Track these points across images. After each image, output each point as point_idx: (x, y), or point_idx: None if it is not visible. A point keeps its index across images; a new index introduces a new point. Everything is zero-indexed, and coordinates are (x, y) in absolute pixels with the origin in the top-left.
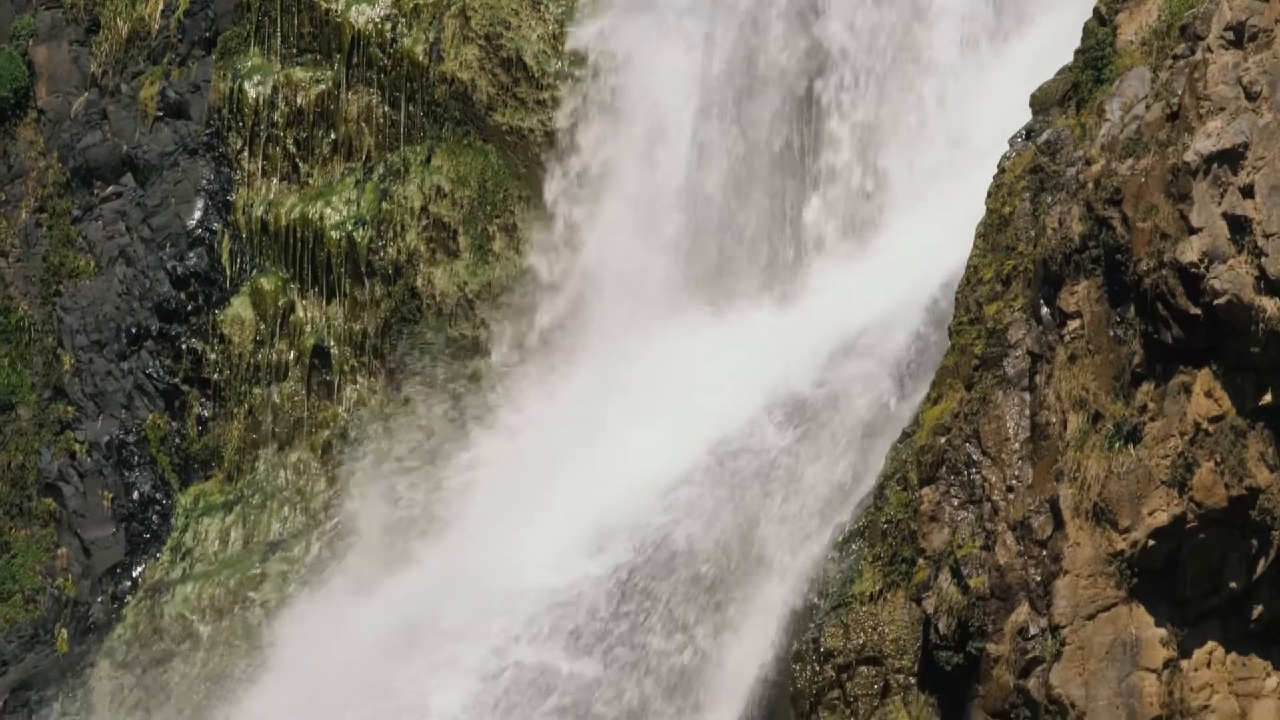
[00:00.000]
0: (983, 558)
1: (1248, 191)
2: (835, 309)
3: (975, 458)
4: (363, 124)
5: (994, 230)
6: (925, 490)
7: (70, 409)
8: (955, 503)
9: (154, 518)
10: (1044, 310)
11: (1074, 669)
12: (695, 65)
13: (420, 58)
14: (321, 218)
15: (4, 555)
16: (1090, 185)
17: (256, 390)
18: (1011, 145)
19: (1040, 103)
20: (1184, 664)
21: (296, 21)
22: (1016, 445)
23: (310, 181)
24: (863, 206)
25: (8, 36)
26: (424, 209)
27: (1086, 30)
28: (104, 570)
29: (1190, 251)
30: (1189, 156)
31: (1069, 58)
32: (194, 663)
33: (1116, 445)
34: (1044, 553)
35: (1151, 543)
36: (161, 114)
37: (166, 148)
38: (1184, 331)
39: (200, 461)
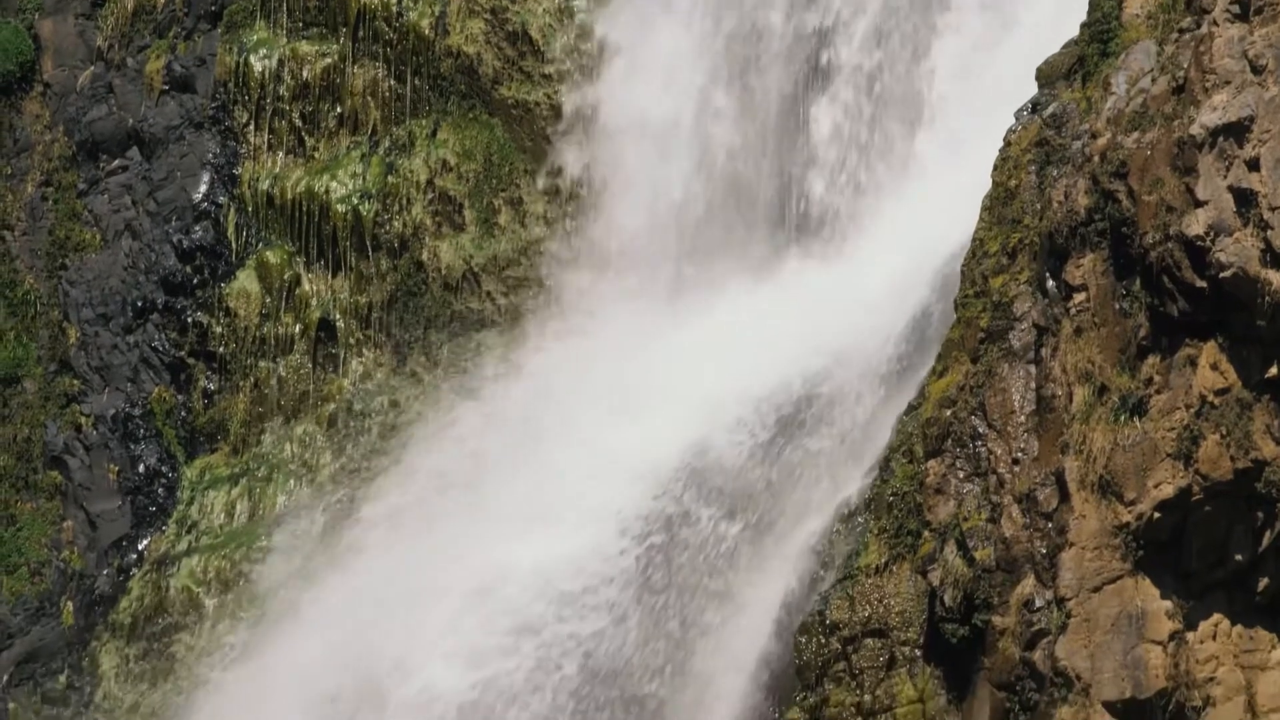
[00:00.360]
0: (988, 530)
1: (1253, 165)
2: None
3: (981, 430)
4: (368, 98)
5: (999, 203)
6: (931, 463)
7: (76, 382)
8: (961, 475)
9: (160, 491)
10: (1050, 283)
11: (1079, 641)
12: (702, 36)
13: (426, 31)
14: (327, 191)
15: (10, 528)
16: (1096, 158)
17: (262, 363)
18: (1017, 119)
19: (1046, 76)
20: (1189, 636)
21: None
22: (1022, 418)
23: (316, 155)
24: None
25: (13, 10)
26: (429, 182)
27: (1092, 3)
28: (109, 543)
29: (1196, 224)
30: (1195, 130)
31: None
32: (199, 635)
33: (1122, 418)
34: (1049, 525)
35: (1157, 515)
36: (167, 87)
37: (172, 121)
38: (1190, 304)
39: (206, 434)
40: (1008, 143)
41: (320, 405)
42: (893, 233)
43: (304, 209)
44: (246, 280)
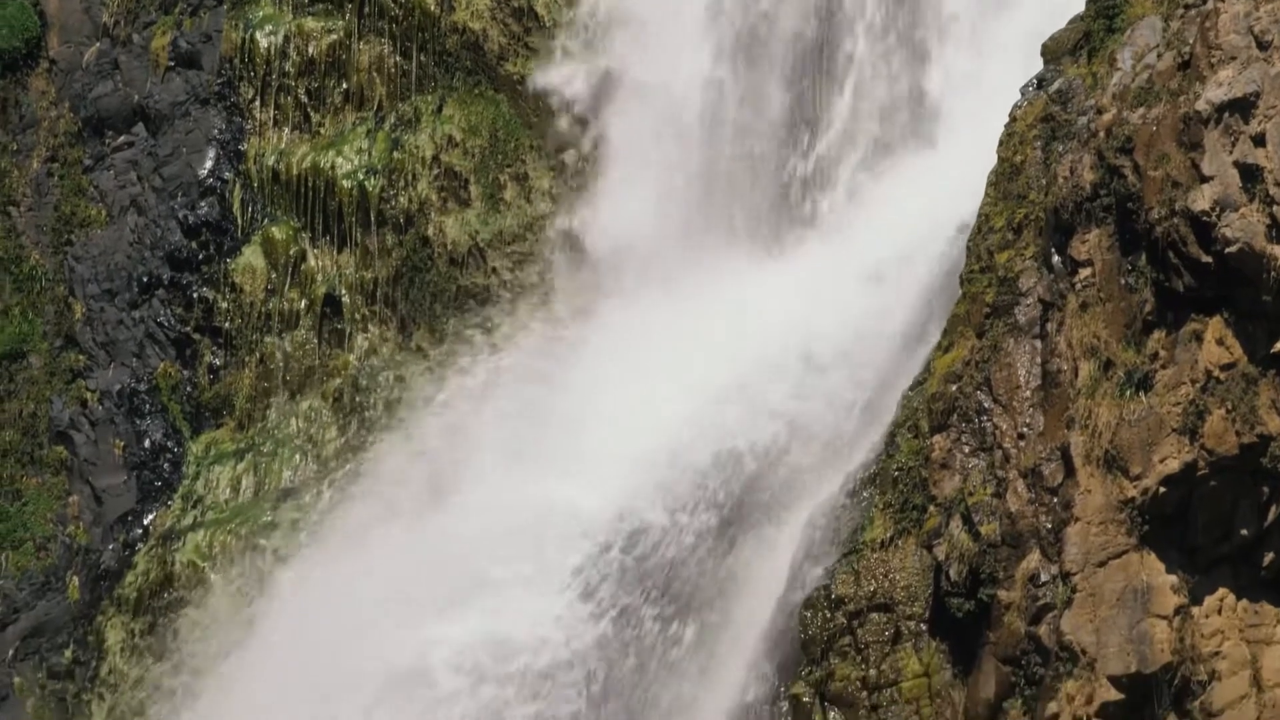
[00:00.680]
0: (994, 505)
1: (1259, 140)
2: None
3: (986, 405)
4: (374, 74)
5: (1005, 178)
6: (936, 438)
7: (81, 357)
8: (966, 450)
9: (165, 465)
10: (1055, 258)
11: (1085, 615)
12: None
13: (432, 7)
14: (333, 167)
15: (15, 503)
16: (1102, 134)
17: (268, 339)
18: (1023, 94)
19: (1052, 52)
20: (1195, 611)
21: None
22: (1028, 393)
23: (322, 131)
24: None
25: None
26: (435, 158)
27: None
28: (115, 518)
29: (1202, 200)
30: (1200, 105)
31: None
32: (205, 610)
33: (1128, 393)
34: (1055, 500)
35: (1163, 490)
36: (173, 64)
37: (178, 97)
38: (1195, 279)
39: (212, 410)
40: (1013, 118)
41: (326, 381)
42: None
43: (309, 185)
44: (252, 256)
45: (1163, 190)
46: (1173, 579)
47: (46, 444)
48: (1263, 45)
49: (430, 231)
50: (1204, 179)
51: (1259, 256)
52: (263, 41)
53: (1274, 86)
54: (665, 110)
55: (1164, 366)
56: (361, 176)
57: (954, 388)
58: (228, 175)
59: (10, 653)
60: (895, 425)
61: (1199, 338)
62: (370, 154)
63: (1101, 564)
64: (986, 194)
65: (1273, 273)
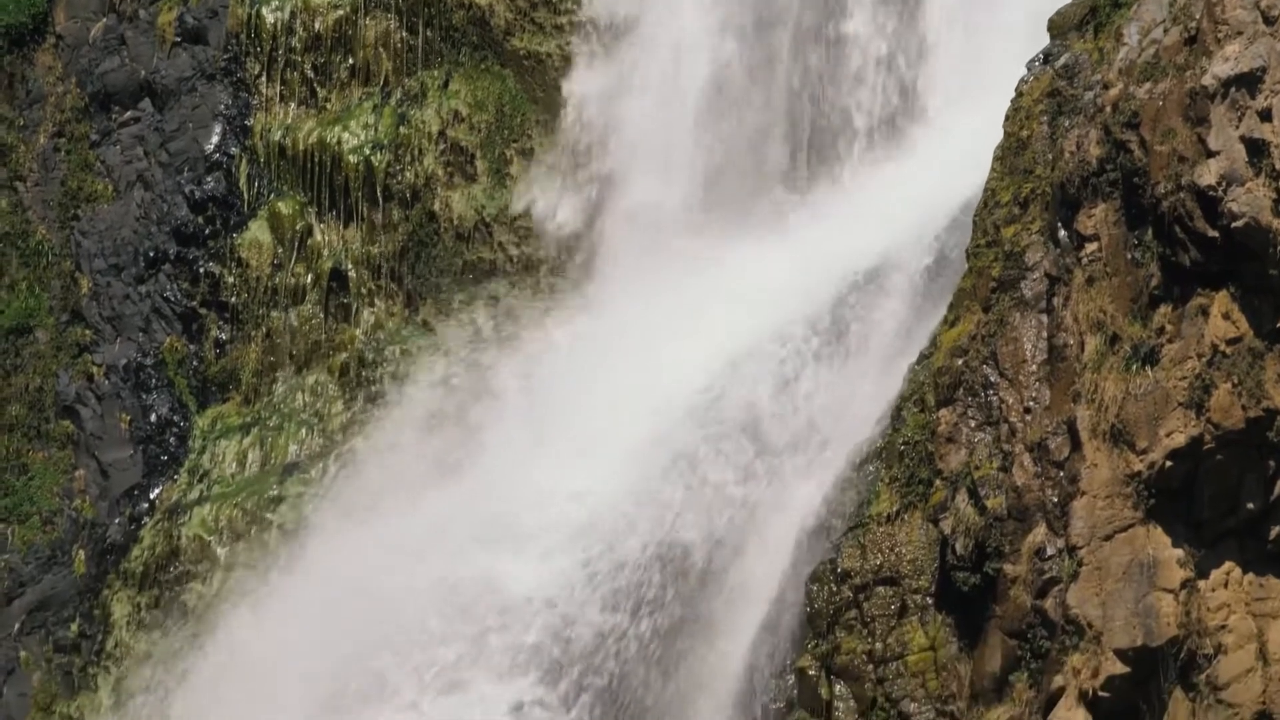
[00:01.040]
0: (1000, 479)
1: (1265, 115)
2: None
3: (993, 379)
4: (380, 49)
5: (1011, 153)
6: (942, 412)
7: (88, 332)
8: (972, 424)
9: (171, 440)
10: (1061, 233)
11: (1091, 589)
12: None
13: None
14: (339, 142)
15: (22, 477)
16: (1108, 109)
17: (274, 313)
18: (1029, 69)
19: (1058, 27)
20: (1201, 584)
21: None
22: (1034, 367)
23: (328, 106)
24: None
25: None
26: (441, 133)
27: None
28: (121, 492)
29: (1208, 174)
30: (1207, 80)
31: None
32: (211, 583)
33: (1134, 367)
34: (1061, 474)
35: (1169, 464)
36: (179, 39)
37: (184, 73)
38: (1202, 254)
39: (218, 384)
40: (1019, 93)
41: (332, 355)
42: None
43: (316, 160)
44: (258, 231)
45: (1169, 165)
46: (1179, 553)
47: (53, 418)
48: (1269, 20)
49: (436, 206)
50: (1210, 154)
51: (1265, 231)
52: (269, 17)
53: None
54: (670, 87)
55: (1170, 341)
56: (368, 152)
57: (960, 362)
58: (234, 150)
59: (16, 626)
60: (901, 399)
61: (1205, 312)
62: (376, 129)
63: (1107, 538)
64: (992, 169)
65: (1279, 247)
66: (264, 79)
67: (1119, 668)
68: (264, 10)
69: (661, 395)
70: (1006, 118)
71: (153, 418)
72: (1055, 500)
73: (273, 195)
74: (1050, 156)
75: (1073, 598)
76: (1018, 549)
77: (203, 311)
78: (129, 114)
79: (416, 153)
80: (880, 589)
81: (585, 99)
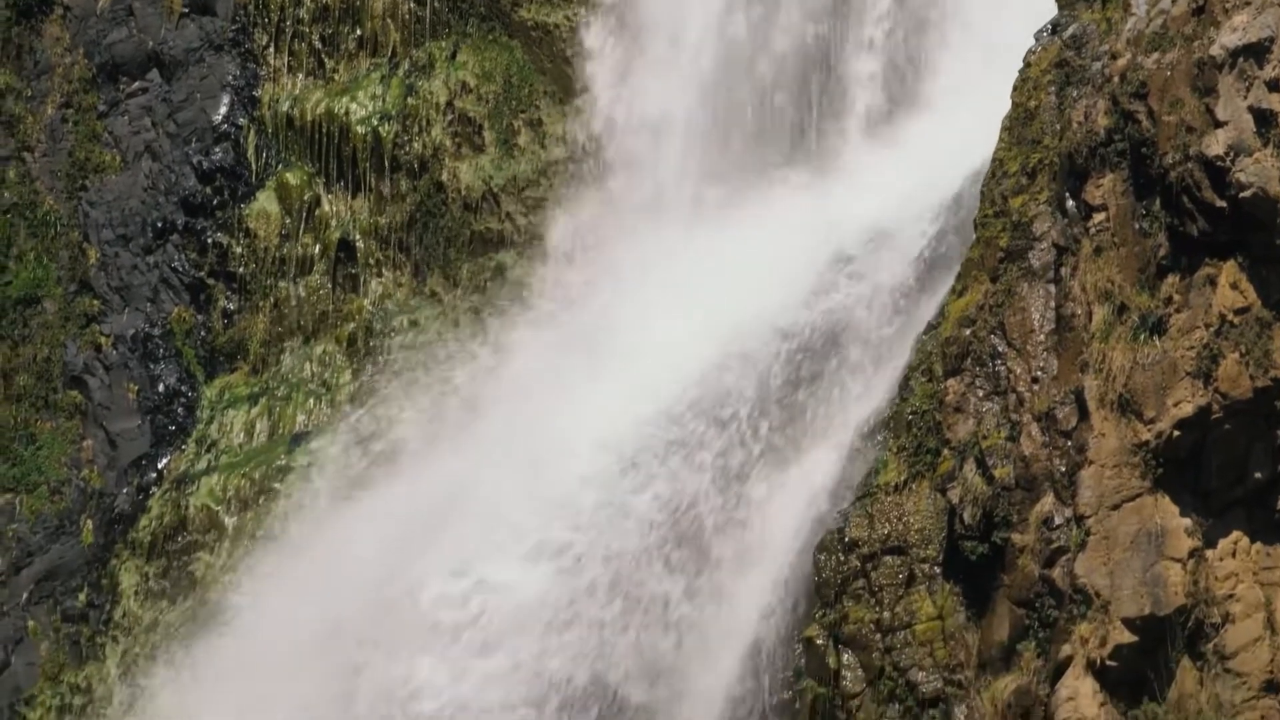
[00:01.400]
0: (1008, 448)
1: (1273, 85)
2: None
3: (1000, 349)
4: (388, 20)
5: (1019, 124)
6: (950, 381)
7: (96, 302)
8: (980, 394)
9: (179, 410)
10: (1069, 203)
11: (1099, 558)
12: None
13: None
14: (347, 113)
15: (30, 447)
16: (1116, 79)
17: (282, 284)
18: (1037, 40)
19: None
20: (1209, 554)
21: None
22: (1041, 337)
23: (336, 77)
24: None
25: None
26: (449, 104)
27: None
28: (129, 462)
29: (1216, 145)
30: (1215, 51)
31: None
32: (219, 553)
33: (1141, 337)
34: (1069, 443)
35: (1176, 433)
36: (187, 10)
37: (192, 44)
38: (1209, 224)
39: (226, 354)
40: (1027, 64)
41: (340, 325)
42: None
43: (324, 130)
44: (266, 201)
45: (1176, 135)
46: (1186, 522)
47: (61, 388)
48: None
49: (444, 177)
50: (1218, 124)
51: (1273, 201)
52: None
53: None
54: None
55: (1178, 311)
56: (375, 122)
57: (968, 332)
58: (242, 121)
59: (24, 596)
60: (909, 369)
61: (1213, 282)
62: (384, 100)
63: (1115, 507)
64: (1000, 139)
65: None
66: (272, 50)
67: (1127, 637)
68: None
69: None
70: (1014, 88)
71: (160, 388)
72: (1063, 470)
73: (280, 166)
74: (1058, 127)
75: (1080, 567)
76: (1025, 518)
77: (210, 282)
78: (137, 85)
79: (424, 123)
80: (888, 558)
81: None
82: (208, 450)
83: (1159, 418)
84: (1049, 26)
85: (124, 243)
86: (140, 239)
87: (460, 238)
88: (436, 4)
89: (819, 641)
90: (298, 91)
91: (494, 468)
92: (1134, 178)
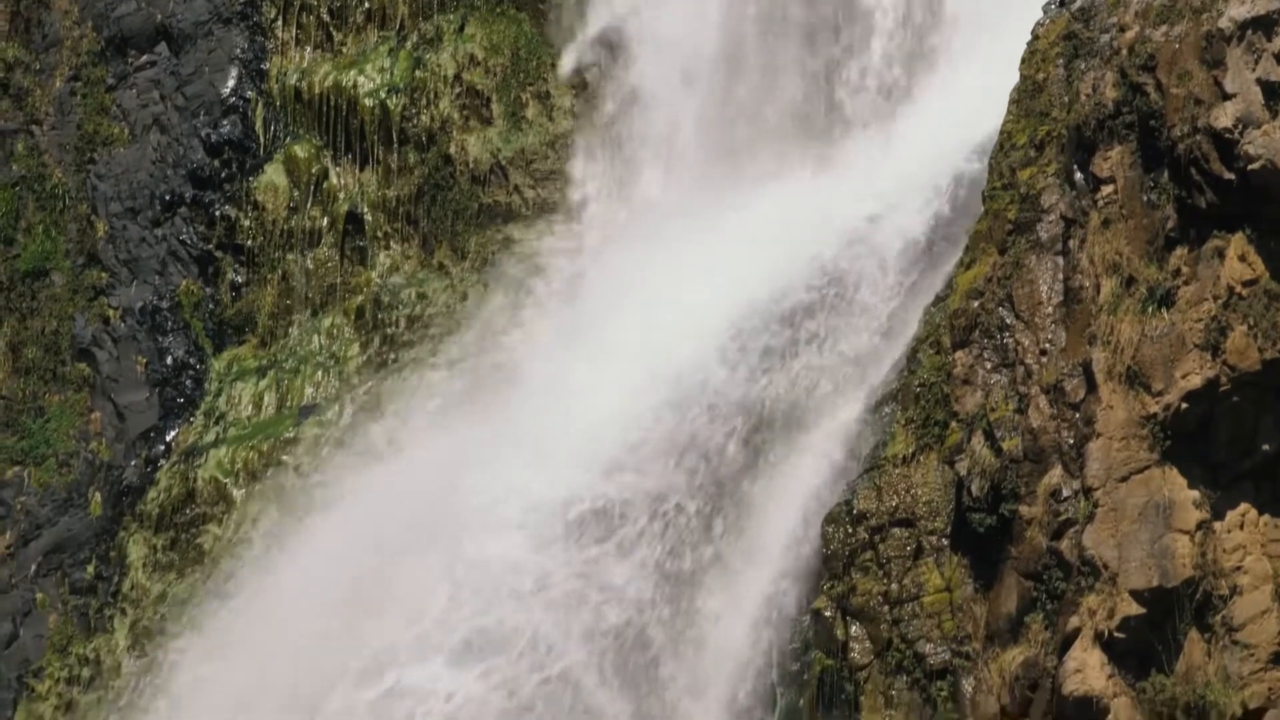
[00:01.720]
0: (1015, 420)
1: None
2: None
3: (1008, 321)
4: None
5: (1028, 96)
6: (958, 353)
7: (104, 275)
8: (988, 366)
9: (187, 382)
10: (1078, 175)
11: (1107, 530)
12: None
13: None
14: (355, 86)
15: (38, 419)
16: (1124, 52)
17: (290, 256)
18: (1045, 12)
19: None
20: (1217, 526)
21: None
22: (1050, 309)
23: (344, 50)
24: None
25: None
26: (457, 77)
27: None
28: (137, 434)
29: (1224, 117)
30: (1223, 23)
31: None
32: (227, 525)
33: (1150, 309)
34: (1077, 415)
35: (1184, 406)
36: None
37: (200, 17)
38: (1217, 196)
39: (234, 327)
40: (1036, 36)
41: (348, 298)
42: None
43: (332, 103)
44: (274, 174)
45: (1185, 107)
46: (1194, 494)
47: (69, 361)
48: None
49: (452, 149)
50: (1226, 96)
51: None
52: None
53: None
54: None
55: (1186, 283)
56: (383, 95)
57: (976, 304)
58: (250, 94)
59: (33, 568)
60: (917, 341)
61: (1221, 254)
62: (392, 73)
63: (1123, 479)
64: (1008, 111)
65: None
66: (280, 23)
67: (1135, 609)
68: None
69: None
70: (1023, 60)
71: (169, 360)
72: (1071, 442)
73: (288, 139)
74: (1066, 99)
75: (1088, 539)
76: (1033, 490)
77: (219, 254)
78: (145, 58)
79: (432, 96)
80: (896, 530)
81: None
82: (216, 423)
83: (1167, 390)
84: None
85: (132, 216)
86: (148, 212)
87: (468, 210)
88: None
89: (827, 613)
90: (306, 64)
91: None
92: (1142, 150)
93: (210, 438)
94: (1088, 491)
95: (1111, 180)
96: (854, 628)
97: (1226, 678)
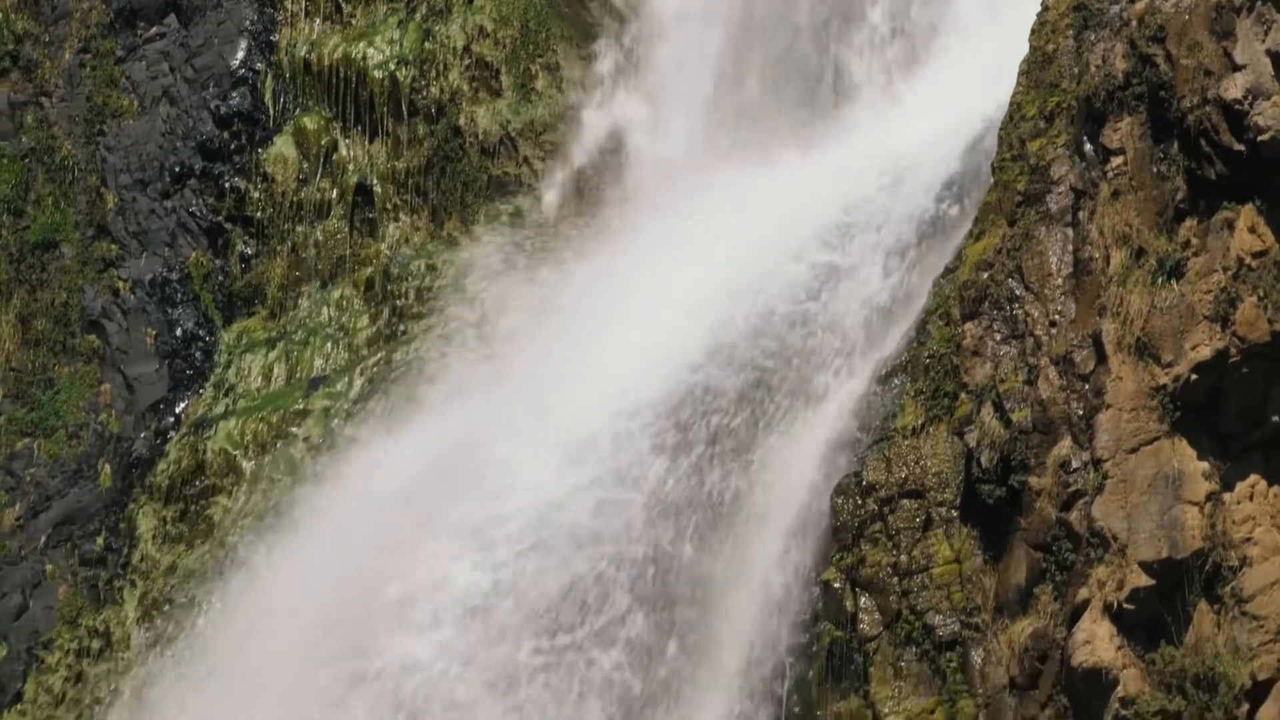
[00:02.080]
0: (1025, 392)
1: None
2: None
3: (1018, 293)
4: None
5: (1037, 67)
6: (968, 325)
7: (114, 247)
8: (998, 337)
9: (197, 354)
10: (1087, 147)
11: (1116, 502)
12: None
13: None
14: (364, 57)
15: (48, 391)
16: (1134, 22)
17: (299, 228)
18: None
19: None
20: (1226, 497)
21: None
22: (1059, 280)
23: (353, 22)
24: None
25: None
26: (466, 48)
27: None
28: (147, 406)
29: (1234, 88)
30: None
31: None
32: (237, 497)
33: (1159, 280)
34: (1086, 387)
35: (1194, 377)
36: None
37: None
38: (1227, 168)
39: (243, 298)
40: (1045, 6)
41: (357, 269)
42: None
43: (341, 75)
44: (284, 146)
45: (1194, 79)
46: (1204, 465)
47: (79, 333)
48: None
49: (462, 121)
50: (1236, 67)
51: None
52: None
53: None
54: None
55: (1196, 254)
56: (393, 67)
57: (985, 275)
58: (259, 66)
59: (42, 540)
60: (926, 312)
61: (1231, 225)
62: (402, 44)
63: (1133, 450)
64: (1018, 82)
65: None
66: None
67: (1144, 580)
68: None
69: None
70: (1032, 31)
71: (178, 332)
72: (1080, 413)
73: (298, 110)
74: (1076, 70)
75: (1098, 510)
76: (1043, 462)
77: (228, 226)
78: (154, 30)
79: (441, 68)
80: (905, 502)
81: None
82: (225, 394)
83: (1177, 361)
84: None
85: (142, 188)
86: (158, 184)
87: (477, 182)
88: None
89: (836, 585)
90: (315, 36)
91: None
92: (1152, 121)
93: (220, 409)
94: (1097, 463)
95: (1121, 152)
96: (863, 599)
97: (1236, 649)
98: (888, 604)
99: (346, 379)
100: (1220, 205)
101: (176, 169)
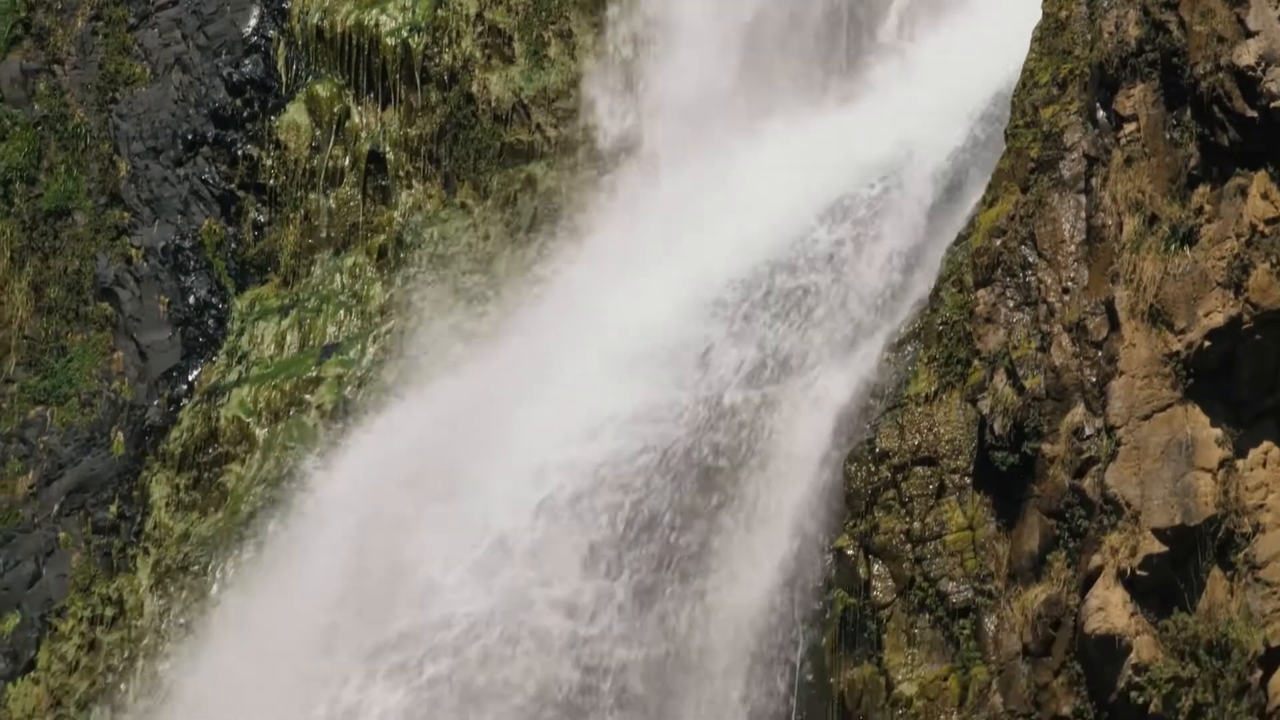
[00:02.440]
0: (1038, 359)
1: None
2: None
3: (1031, 260)
4: None
5: (1050, 34)
6: (981, 292)
7: (126, 215)
8: (1011, 304)
9: (210, 322)
10: (1100, 113)
11: (1129, 469)
12: None
13: None
14: (377, 25)
15: (61, 359)
16: None
17: (312, 195)
18: None
19: None
20: (1239, 464)
21: None
22: (1072, 247)
23: None
24: None
25: None
26: (479, 15)
27: None
28: (160, 374)
29: (1247, 55)
30: None
31: None
32: (250, 465)
33: (1172, 247)
34: (1099, 354)
35: (1207, 344)
36: None
37: None
38: (1240, 134)
39: (256, 266)
40: None
41: (370, 237)
42: None
43: (354, 42)
44: (296, 113)
45: (1207, 45)
46: (1217, 432)
47: (91, 300)
48: None
49: (474, 88)
50: (1249, 34)
51: None
52: None
53: None
54: None
55: (1209, 221)
56: (405, 34)
57: (998, 242)
58: (272, 33)
59: (55, 507)
60: (939, 279)
61: (1244, 192)
62: (414, 11)
63: (1146, 417)
64: (1031, 49)
65: None
66: None
67: (1157, 547)
68: None
69: None
70: None
71: (191, 300)
72: (1093, 380)
73: (310, 78)
74: (1089, 37)
75: (1111, 477)
76: (1056, 429)
77: (241, 194)
78: None
79: (454, 35)
80: (918, 469)
81: None
82: (238, 362)
83: (1190, 328)
84: None
85: (154, 155)
86: (170, 151)
87: (490, 149)
88: None
89: (850, 552)
90: (327, 3)
91: None
92: (1165, 88)
93: (233, 377)
94: (1110, 430)
95: (1134, 118)
96: (876, 566)
97: (1249, 615)
98: (901, 571)
99: (359, 346)
100: (1233, 172)
101: (189, 136)
